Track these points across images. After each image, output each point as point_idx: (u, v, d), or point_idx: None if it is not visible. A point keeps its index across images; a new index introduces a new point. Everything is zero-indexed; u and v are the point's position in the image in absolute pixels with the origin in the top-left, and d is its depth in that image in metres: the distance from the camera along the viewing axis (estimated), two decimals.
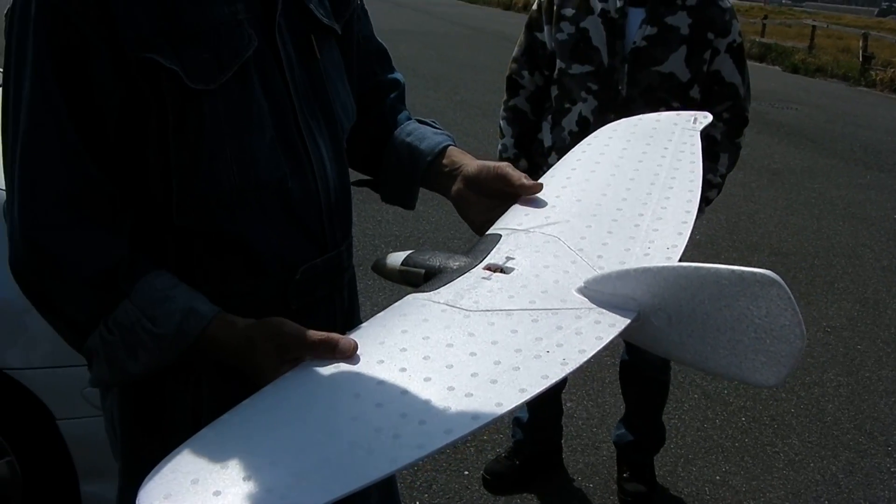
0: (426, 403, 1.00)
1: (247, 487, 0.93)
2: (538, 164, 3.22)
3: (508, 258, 1.29)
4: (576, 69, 3.05)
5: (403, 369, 1.07)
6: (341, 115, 1.54)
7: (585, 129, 3.00)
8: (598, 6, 3.01)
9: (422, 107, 10.16)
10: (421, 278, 1.34)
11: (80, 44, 1.24)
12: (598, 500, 3.54)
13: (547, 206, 1.45)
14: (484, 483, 3.55)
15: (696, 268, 1.10)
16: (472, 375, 1.04)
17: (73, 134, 1.26)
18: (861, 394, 4.73)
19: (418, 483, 3.52)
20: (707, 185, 3.12)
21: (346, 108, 1.57)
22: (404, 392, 1.03)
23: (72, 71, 1.25)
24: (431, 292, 1.25)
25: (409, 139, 1.67)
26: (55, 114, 1.25)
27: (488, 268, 1.28)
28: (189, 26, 1.30)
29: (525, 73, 3.24)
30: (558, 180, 1.53)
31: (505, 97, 3.32)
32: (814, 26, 24.73)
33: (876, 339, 5.46)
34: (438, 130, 1.70)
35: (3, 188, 1.30)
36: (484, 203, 1.55)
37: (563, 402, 3.70)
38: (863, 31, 21.95)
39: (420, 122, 1.73)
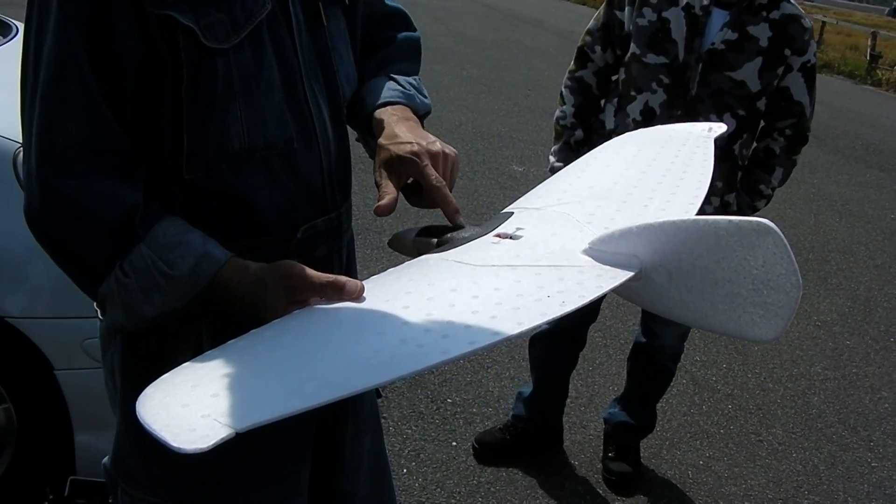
0: (426, 332, 1.05)
1: (243, 391, 0.98)
2: (594, 142, 3.10)
3: (518, 228, 1.33)
4: (650, 58, 3.00)
5: (407, 307, 1.11)
6: (343, 83, 1.58)
7: (650, 119, 3.01)
8: (685, 0, 2.95)
9: (427, 81, 9.56)
10: (433, 247, 1.38)
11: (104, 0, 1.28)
12: (583, 477, 3.59)
13: (559, 191, 1.49)
14: (473, 452, 3.61)
15: (694, 220, 1.12)
16: (472, 312, 1.08)
17: (93, 84, 1.30)
18: (847, 388, 4.78)
19: (406, 451, 3.57)
20: (758, 195, 3.17)
21: (349, 77, 1.60)
22: (405, 323, 1.08)
23: (95, 24, 1.28)
24: (442, 253, 1.30)
25: (362, 91, 1.64)
26: (77, 64, 1.28)
27: (498, 235, 1.32)
28: None
29: (598, 48, 3.17)
30: (573, 173, 1.57)
31: (572, 66, 3.26)
32: (823, 22, 24.68)
33: (865, 335, 5.52)
34: (397, 87, 1.63)
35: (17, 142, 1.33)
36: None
37: None
38: (872, 30, 21.92)
39: (392, 78, 1.65)
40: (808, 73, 3.06)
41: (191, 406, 0.97)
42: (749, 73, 2.95)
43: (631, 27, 3.05)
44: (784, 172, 3.18)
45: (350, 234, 1.71)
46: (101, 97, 1.30)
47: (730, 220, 1.09)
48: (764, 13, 2.94)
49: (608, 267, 1.18)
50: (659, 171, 1.52)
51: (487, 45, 15.04)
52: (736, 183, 3.14)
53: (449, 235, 1.38)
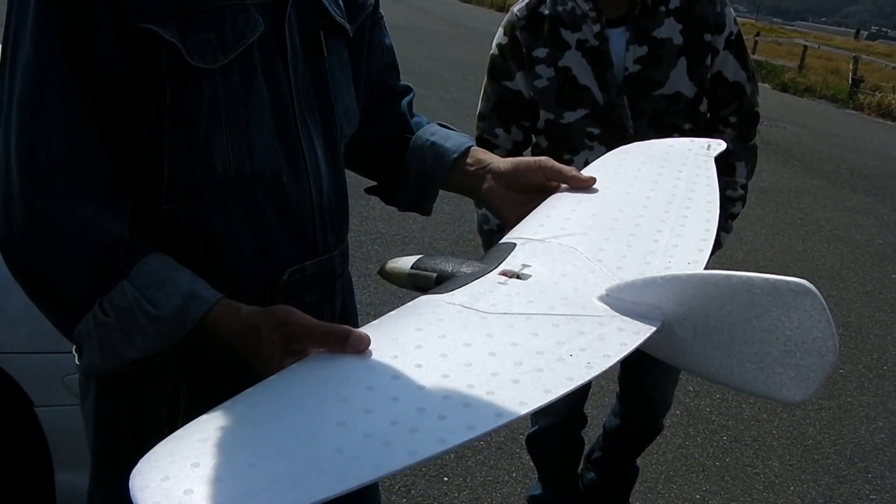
0: (446, 399, 0.95)
1: (253, 475, 0.86)
2: None
3: (524, 265, 1.24)
4: (568, 117, 2.59)
5: (419, 365, 1.01)
6: (342, 119, 1.49)
7: None
8: (573, 38, 2.54)
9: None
10: (432, 282, 1.28)
11: (83, 8, 1.19)
12: None
13: (562, 219, 1.40)
14: None
15: (726, 276, 1.05)
16: (492, 374, 0.98)
17: (77, 98, 1.20)
18: (842, 419, 4.71)
19: (396, 487, 3.47)
20: (729, 202, 2.76)
21: (349, 113, 1.53)
22: (421, 387, 0.97)
23: (75, 36, 1.19)
24: (445, 294, 1.19)
25: (433, 139, 1.64)
26: (59, 76, 1.19)
27: (504, 273, 1.22)
28: (193, 5, 1.24)
29: (499, 130, 2.73)
30: (572, 196, 1.48)
31: None
32: (805, 46, 24.85)
33: (858, 363, 5.45)
34: (459, 132, 1.69)
35: None
36: (518, 198, 1.53)
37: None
38: (854, 55, 22.11)
39: (440, 125, 1.70)
40: (736, 47, 2.64)
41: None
42: (679, 81, 2.56)
43: (531, 93, 2.64)
44: (748, 164, 2.77)
45: (346, 279, 1.61)
46: (84, 112, 1.21)
47: (765, 279, 1.01)
48: (662, 8, 2.53)
49: (629, 319, 1.10)
50: (664, 198, 1.45)
51: (471, 68, 15.01)
52: None
53: (451, 270, 1.28)
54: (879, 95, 19.32)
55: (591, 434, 3.84)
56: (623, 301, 1.12)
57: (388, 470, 0.86)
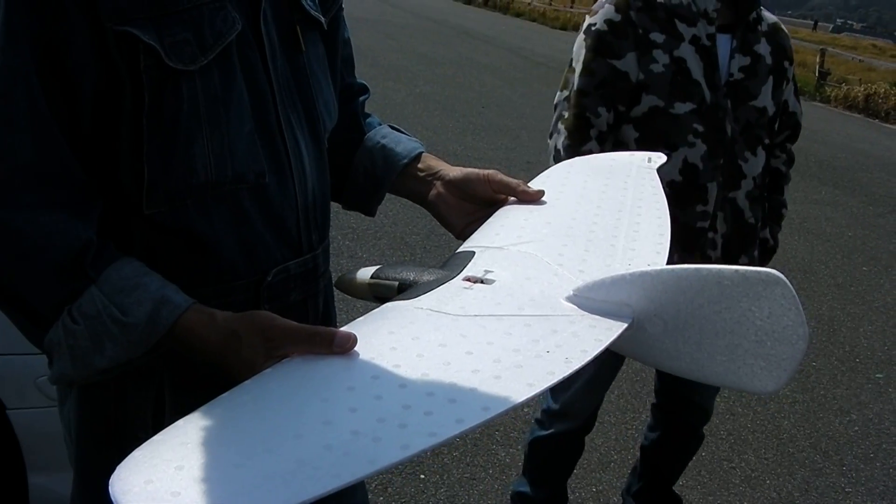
0: (429, 396, 0.94)
1: (241, 474, 0.84)
2: None
3: (487, 271, 1.24)
4: (679, 108, 2.53)
5: (398, 365, 1.00)
6: (323, 113, 1.47)
7: (693, 178, 2.55)
8: (689, 32, 2.54)
9: (381, 98, 9.89)
10: (394, 291, 1.27)
11: (57, 12, 1.15)
12: None
13: (517, 228, 1.40)
14: None
15: (696, 269, 1.06)
16: (473, 372, 0.98)
17: (43, 104, 1.16)
18: (816, 411, 4.73)
19: (373, 485, 3.43)
20: (781, 219, 2.95)
21: (329, 106, 1.50)
22: (403, 385, 0.96)
23: (47, 41, 1.15)
24: (412, 300, 1.18)
25: (383, 141, 1.64)
26: (26, 81, 1.15)
27: (468, 279, 1.22)
28: (170, 4, 1.21)
29: (602, 109, 2.58)
30: (524, 207, 1.50)
31: (569, 141, 2.60)
32: None
33: (830, 356, 5.47)
34: (411, 136, 1.69)
35: None
36: (466, 207, 1.54)
37: None
38: (821, 47, 22.26)
39: (392, 127, 1.70)
40: (795, 80, 2.83)
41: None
42: (766, 97, 2.64)
43: (642, 76, 2.55)
44: (787, 189, 2.94)
45: (328, 278, 1.58)
46: (52, 119, 1.17)
47: (735, 270, 1.03)
48: (759, 27, 2.65)
49: (598, 317, 1.11)
50: (613, 206, 1.48)
51: (440, 62, 15.01)
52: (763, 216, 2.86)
53: (413, 278, 1.27)
54: (846, 88, 19.45)
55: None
56: (591, 300, 1.13)
57: (383, 464, 0.85)
